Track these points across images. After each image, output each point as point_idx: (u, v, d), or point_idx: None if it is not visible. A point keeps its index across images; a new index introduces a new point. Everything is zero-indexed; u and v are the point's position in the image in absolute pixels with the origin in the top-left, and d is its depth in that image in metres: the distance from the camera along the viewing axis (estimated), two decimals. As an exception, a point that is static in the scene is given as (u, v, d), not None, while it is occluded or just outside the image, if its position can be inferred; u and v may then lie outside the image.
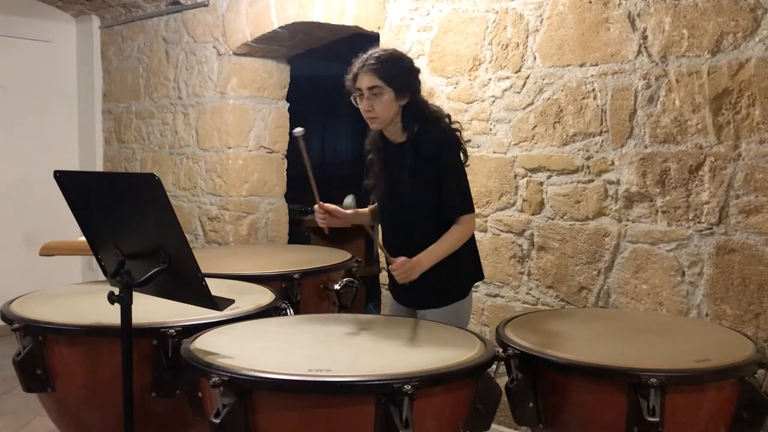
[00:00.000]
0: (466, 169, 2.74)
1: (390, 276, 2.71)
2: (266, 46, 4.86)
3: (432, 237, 2.61)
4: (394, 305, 2.87)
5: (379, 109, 2.61)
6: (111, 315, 2.17)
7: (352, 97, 2.67)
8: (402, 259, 2.55)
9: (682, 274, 2.98)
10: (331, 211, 2.82)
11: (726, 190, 2.85)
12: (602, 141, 3.19)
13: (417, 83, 2.69)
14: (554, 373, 2.12)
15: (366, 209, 3.02)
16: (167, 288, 2.15)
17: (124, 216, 2.15)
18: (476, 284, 3.04)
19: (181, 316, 2.30)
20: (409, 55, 3.83)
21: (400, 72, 2.62)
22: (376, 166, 2.78)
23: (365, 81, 2.59)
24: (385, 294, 4.11)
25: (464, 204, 2.65)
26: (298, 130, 2.62)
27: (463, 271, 2.74)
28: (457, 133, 2.71)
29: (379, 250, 2.42)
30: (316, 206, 2.80)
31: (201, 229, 5.22)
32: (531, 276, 3.46)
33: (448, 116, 2.75)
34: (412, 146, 2.64)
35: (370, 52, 2.64)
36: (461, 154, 2.71)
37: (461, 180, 2.68)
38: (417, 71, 2.71)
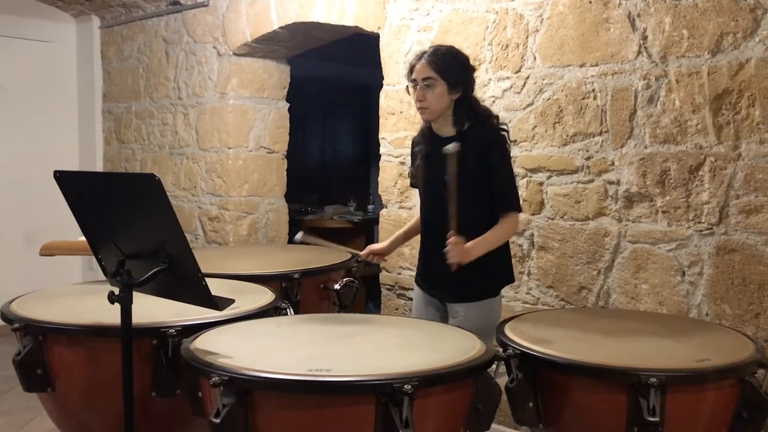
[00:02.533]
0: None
1: (422, 267, 2.87)
2: (266, 46, 4.86)
3: (471, 231, 2.65)
4: (422, 298, 2.89)
5: (431, 100, 2.69)
6: (111, 315, 2.17)
7: (406, 87, 2.79)
8: (459, 238, 2.58)
9: (682, 274, 2.98)
10: (375, 252, 3.13)
11: (726, 190, 2.85)
12: (602, 141, 3.19)
13: (471, 80, 2.78)
14: (554, 373, 2.12)
15: (402, 230, 3.17)
16: (167, 288, 2.15)
17: (124, 216, 2.15)
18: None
19: (181, 316, 2.30)
20: (409, 55, 3.86)
21: (454, 66, 2.71)
22: (421, 158, 2.84)
23: (420, 72, 2.69)
24: (385, 294, 4.11)
25: (515, 201, 2.75)
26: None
27: (497, 270, 2.78)
28: (504, 134, 2.78)
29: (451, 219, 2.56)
30: (363, 254, 3.14)
31: (201, 229, 5.22)
32: (531, 276, 3.46)
33: (497, 117, 2.83)
34: (461, 140, 2.67)
35: (433, 47, 2.77)
36: (508, 153, 2.79)
37: (512, 178, 2.78)
38: (472, 69, 2.79)
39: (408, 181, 3.96)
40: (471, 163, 2.64)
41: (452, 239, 2.57)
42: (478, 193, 2.68)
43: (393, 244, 3.16)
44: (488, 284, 2.77)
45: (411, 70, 2.73)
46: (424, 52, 2.73)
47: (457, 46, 3.63)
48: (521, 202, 3.44)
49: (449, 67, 2.69)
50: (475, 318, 2.65)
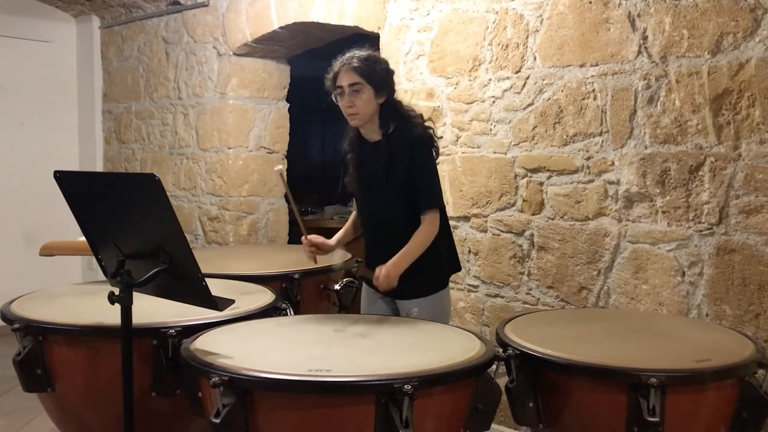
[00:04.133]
0: (438, 166, 2.83)
1: (367, 266, 2.84)
2: (266, 46, 4.86)
3: (410, 231, 2.68)
4: (371, 296, 2.91)
5: (360, 105, 2.71)
6: (111, 315, 2.17)
7: (332, 96, 2.78)
8: (381, 271, 2.60)
9: (682, 274, 2.98)
10: (318, 245, 2.91)
11: (726, 190, 2.85)
12: (602, 141, 3.19)
13: (393, 83, 2.82)
14: (554, 373, 2.12)
15: (347, 225, 3.08)
16: (167, 288, 2.15)
17: (124, 216, 2.15)
18: (476, 285, 3.07)
19: (181, 316, 2.30)
20: (409, 55, 3.87)
21: (378, 71, 2.74)
22: (354, 165, 2.87)
23: (346, 78, 2.72)
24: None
25: (433, 199, 2.72)
26: (278, 167, 2.87)
27: (440, 261, 2.81)
28: (430, 131, 2.79)
29: (361, 269, 2.65)
30: (303, 239, 2.87)
31: (201, 229, 5.22)
32: (531, 276, 3.46)
33: (421, 116, 2.85)
34: (386, 143, 2.73)
35: (349, 53, 2.77)
36: (433, 152, 2.79)
37: (432, 175, 2.76)
38: (392, 72, 2.83)
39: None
40: (398, 164, 2.68)
41: (377, 280, 2.60)
42: (408, 193, 2.70)
43: (340, 240, 3.03)
44: (435, 277, 2.80)
45: (335, 77, 2.74)
46: (347, 59, 2.73)
47: (457, 46, 3.65)
48: (522, 203, 3.47)
49: (374, 71, 2.72)
50: (430, 311, 2.71)
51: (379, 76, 2.73)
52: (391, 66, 3.66)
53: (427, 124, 2.81)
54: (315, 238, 2.91)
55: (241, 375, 1.83)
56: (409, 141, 2.71)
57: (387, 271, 2.60)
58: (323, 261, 3.34)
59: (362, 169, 2.83)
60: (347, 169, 2.92)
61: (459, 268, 3.01)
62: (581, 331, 2.38)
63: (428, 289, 2.78)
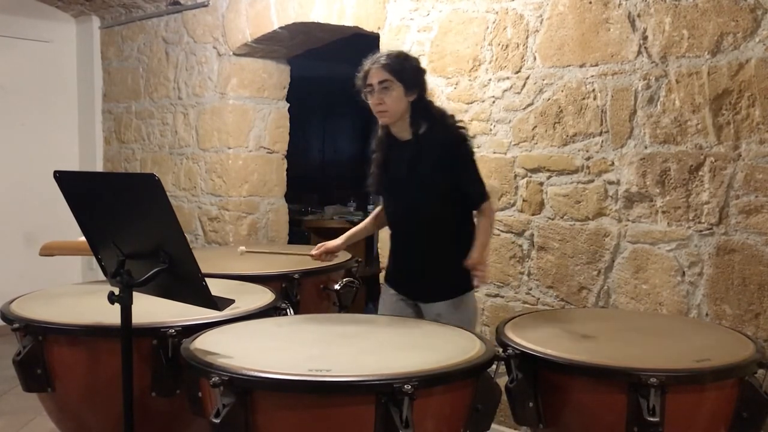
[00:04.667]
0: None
1: (393, 268, 2.88)
2: (266, 46, 4.86)
3: (435, 231, 2.69)
4: (393, 299, 2.88)
5: (390, 103, 2.69)
6: (111, 315, 2.17)
7: (362, 94, 2.76)
8: (476, 260, 2.62)
9: (682, 274, 2.98)
10: (327, 250, 3.00)
11: (726, 190, 2.85)
12: (602, 141, 3.19)
13: (424, 82, 2.80)
14: (554, 373, 2.12)
15: (367, 220, 3.10)
16: (167, 288, 2.15)
17: (124, 216, 2.15)
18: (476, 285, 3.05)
19: (181, 316, 2.30)
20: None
21: (409, 68, 2.73)
22: (381, 163, 2.84)
23: (376, 76, 2.70)
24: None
25: (485, 191, 2.78)
26: (241, 248, 3.14)
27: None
28: (464, 130, 2.80)
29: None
30: (313, 252, 3.01)
31: (201, 229, 5.22)
32: (531, 276, 3.46)
33: (453, 116, 2.85)
34: (419, 142, 2.71)
35: (380, 52, 2.80)
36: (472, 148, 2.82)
37: (477, 170, 2.80)
38: (424, 71, 2.81)
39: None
40: (431, 163, 2.68)
41: (476, 262, 2.61)
42: (444, 192, 2.71)
43: (347, 241, 3.06)
44: (463, 279, 2.76)
45: (365, 75, 2.73)
46: (377, 57, 2.74)
47: (456, 46, 3.65)
48: (522, 203, 3.48)
49: (404, 69, 2.71)
50: (456, 315, 2.66)
51: (409, 73, 2.71)
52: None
53: (459, 123, 2.81)
54: (322, 247, 2.99)
55: (241, 375, 1.83)
56: (442, 142, 2.70)
57: (483, 260, 2.61)
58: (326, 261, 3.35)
59: (389, 168, 2.81)
60: (373, 167, 2.90)
61: None
62: (581, 331, 2.38)
63: (453, 292, 2.74)
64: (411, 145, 2.73)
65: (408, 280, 2.83)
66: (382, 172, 2.83)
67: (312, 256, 3.01)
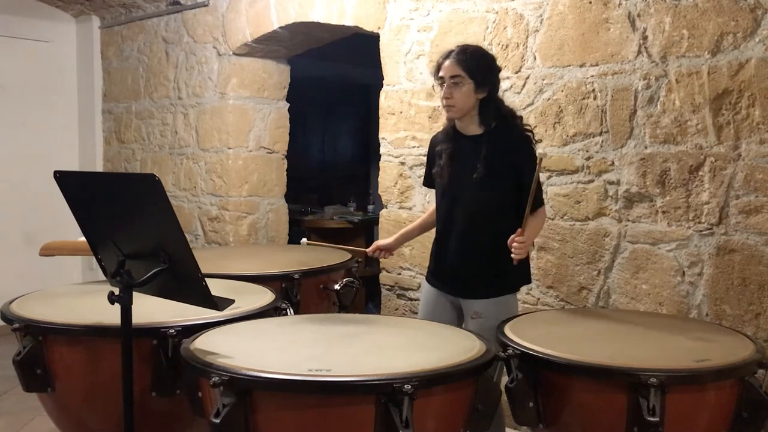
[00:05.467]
0: None
1: (436, 265, 2.89)
2: (266, 46, 4.86)
3: (499, 225, 2.68)
4: (434, 296, 2.89)
5: (458, 98, 2.70)
6: (111, 315, 2.17)
7: (435, 83, 2.83)
8: (523, 238, 2.59)
9: (682, 274, 2.98)
10: (380, 247, 3.19)
11: (726, 190, 2.85)
12: (602, 141, 3.19)
13: (497, 81, 2.80)
14: (554, 373, 2.12)
15: (423, 218, 3.17)
16: (167, 288, 2.15)
17: (124, 216, 2.15)
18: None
19: (181, 316, 2.30)
20: (409, 55, 3.87)
21: (482, 66, 2.73)
22: (447, 156, 2.83)
23: (448, 70, 2.71)
24: (385, 294, 4.10)
25: (542, 196, 2.82)
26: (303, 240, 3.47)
27: (517, 266, 2.72)
28: (529, 133, 2.80)
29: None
30: (369, 251, 3.24)
31: (201, 229, 5.22)
32: (531, 276, 3.45)
33: (521, 117, 2.86)
34: (488, 139, 2.71)
35: (457, 45, 2.80)
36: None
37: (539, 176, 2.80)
38: (498, 69, 2.81)
39: (407, 182, 3.97)
40: (498, 161, 2.68)
41: (520, 237, 2.58)
42: (504, 190, 2.72)
43: (400, 239, 3.20)
44: (507, 280, 2.77)
45: (438, 67, 2.74)
46: (452, 51, 2.74)
47: (453, 46, 3.64)
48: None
49: (477, 66, 2.70)
50: (495, 315, 2.62)
51: (481, 71, 2.71)
52: (391, 66, 3.66)
53: (525, 126, 2.81)
54: (380, 244, 3.19)
55: (241, 375, 1.83)
56: (512, 141, 2.71)
57: (526, 239, 2.58)
58: (322, 261, 3.35)
59: (454, 162, 2.79)
60: (433, 161, 2.90)
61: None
62: (581, 331, 2.38)
63: (496, 291, 2.74)
64: (479, 140, 2.73)
65: (453, 274, 2.82)
66: (451, 164, 2.80)
67: (366, 252, 3.24)
